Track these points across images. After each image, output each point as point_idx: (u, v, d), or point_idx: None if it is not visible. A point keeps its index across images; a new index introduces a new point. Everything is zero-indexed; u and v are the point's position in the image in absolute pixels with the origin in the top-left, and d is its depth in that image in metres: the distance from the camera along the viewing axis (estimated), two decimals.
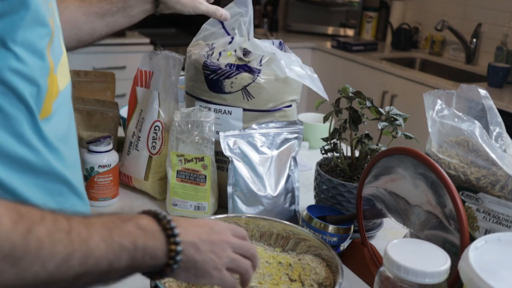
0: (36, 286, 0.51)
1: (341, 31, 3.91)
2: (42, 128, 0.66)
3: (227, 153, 1.09)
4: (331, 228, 0.98)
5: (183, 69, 1.23)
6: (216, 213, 1.16)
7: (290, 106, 1.19)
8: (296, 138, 1.16)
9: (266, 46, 1.14)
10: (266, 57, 1.17)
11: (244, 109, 1.13)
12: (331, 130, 1.12)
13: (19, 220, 0.49)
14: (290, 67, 1.11)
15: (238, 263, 0.66)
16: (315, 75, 1.14)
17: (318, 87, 1.11)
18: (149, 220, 0.61)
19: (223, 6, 1.17)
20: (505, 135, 0.89)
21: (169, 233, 0.61)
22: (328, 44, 3.58)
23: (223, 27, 1.21)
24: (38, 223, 0.50)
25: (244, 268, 0.67)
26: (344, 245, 1.02)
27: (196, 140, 1.09)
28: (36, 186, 0.66)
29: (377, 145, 1.09)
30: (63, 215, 0.54)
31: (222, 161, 1.16)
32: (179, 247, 0.61)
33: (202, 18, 1.26)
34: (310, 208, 1.04)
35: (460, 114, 0.85)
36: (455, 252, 0.76)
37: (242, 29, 1.18)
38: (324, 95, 1.11)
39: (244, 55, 1.17)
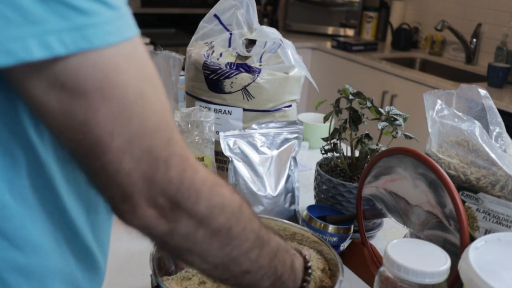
0: (222, 263, 0.57)
1: (341, 31, 3.92)
2: None
3: (227, 153, 1.09)
4: (331, 228, 0.98)
5: (183, 69, 1.23)
6: None
7: (290, 106, 1.19)
8: (296, 138, 1.16)
9: (274, 33, 1.15)
10: (266, 53, 1.17)
11: (244, 109, 1.13)
12: (331, 130, 1.12)
13: (234, 192, 0.55)
14: (294, 57, 1.12)
15: None
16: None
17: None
18: (300, 262, 0.68)
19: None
20: (505, 135, 0.89)
21: (307, 268, 0.69)
22: (328, 44, 3.58)
23: (221, 22, 1.21)
24: (245, 204, 0.56)
25: None
26: (344, 245, 1.02)
27: (196, 140, 1.09)
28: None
29: (377, 145, 1.09)
30: (255, 211, 0.60)
31: (222, 161, 1.16)
32: (309, 279, 0.68)
33: (201, 18, 1.26)
34: (310, 208, 1.04)
35: (460, 114, 0.85)
36: (455, 252, 0.76)
37: (240, 22, 1.18)
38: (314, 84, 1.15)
39: (246, 46, 1.17)
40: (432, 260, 0.66)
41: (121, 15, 0.47)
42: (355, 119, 1.09)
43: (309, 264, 0.68)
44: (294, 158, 1.16)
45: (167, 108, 0.50)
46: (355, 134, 1.11)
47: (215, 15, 1.21)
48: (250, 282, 0.60)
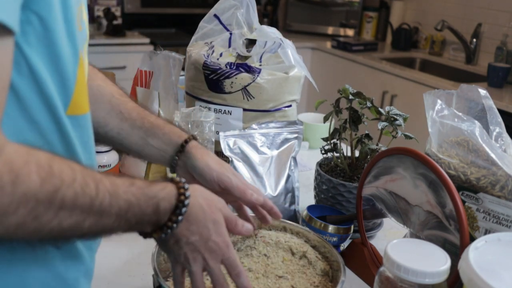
0: (49, 237, 0.55)
1: (341, 31, 3.92)
2: (65, 124, 0.62)
3: (227, 153, 1.09)
4: (331, 228, 0.98)
5: (183, 69, 1.23)
6: None
7: (290, 106, 1.19)
8: (296, 138, 1.16)
9: (274, 33, 1.15)
10: (266, 53, 1.17)
11: (244, 109, 1.13)
12: (331, 130, 1.12)
13: (48, 179, 0.52)
14: (294, 57, 1.12)
15: (217, 277, 0.67)
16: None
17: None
18: (169, 201, 0.64)
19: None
20: (505, 135, 0.89)
21: (180, 187, 0.65)
22: (328, 44, 3.58)
23: (220, 22, 1.21)
24: (66, 185, 0.53)
25: (220, 284, 0.67)
26: (344, 245, 1.02)
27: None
28: None
29: (377, 145, 1.09)
30: (94, 178, 0.57)
31: None
32: (188, 192, 0.65)
33: (201, 18, 1.26)
34: (310, 208, 1.04)
35: (460, 114, 0.85)
36: (455, 252, 0.76)
37: (240, 22, 1.18)
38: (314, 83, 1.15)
39: (247, 46, 1.17)
40: (432, 260, 0.66)
41: None
42: (355, 119, 1.09)
43: (185, 200, 0.64)
44: (294, 158, 1.16)
45: None
46: (355, 134, 1.11)
47: (215, 15, 1.21)
48: (95, 232, 0.59)
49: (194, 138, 0.85)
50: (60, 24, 0.58)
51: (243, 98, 1.12)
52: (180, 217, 0.64)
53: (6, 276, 0.59)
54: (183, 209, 0.64)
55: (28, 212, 0.51)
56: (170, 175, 1.12)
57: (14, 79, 0.55)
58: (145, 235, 0.66)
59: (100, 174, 0.58)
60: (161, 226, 0.64)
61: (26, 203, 0.50)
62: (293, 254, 0.88)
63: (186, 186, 0.65)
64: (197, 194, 0.67)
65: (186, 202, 0.64)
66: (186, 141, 0.84)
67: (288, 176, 1.13)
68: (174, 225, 0.64)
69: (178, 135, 0.85)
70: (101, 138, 0.87)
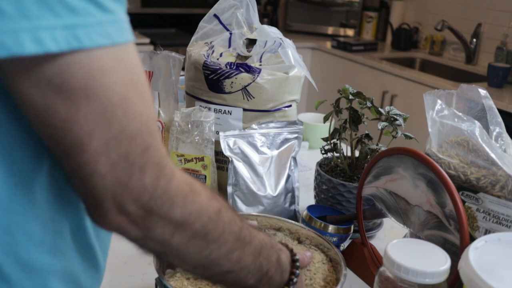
0: (201, 264, 0.57)
1: (341, 31, 3.92)
2: None
3: (227, 153, 1.09)
4: (331, 228, 0.98)
5: (183, 69, 1.23)
6: None
7: (290, 106, 1.19)
8: (296, 138, 1.16)
9: (274, 32, 1.15)
10: (266, 53, 1.17)
11: (244, 109, 1.13)
12: (331, 130, 1.12)
13: (212, 199, 0.55)
14: (294, 57, 1.12)
15: None
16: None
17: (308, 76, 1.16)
18: (287, 256, 0.68)
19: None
20: (505, 135, 0.89)
21: (294, 261, 0.69)
22: (328, 44, 3.58)
23: (220, 22, 1.21)
24: (225, 209, 0.56)
25: None
26: (344, 245, 1.02)
27: (196, 140, 1.09)
28: None
29: (377, 145, 1.09)
30: (238, 214, 0.60)
31: (222, 161, 1.16)
32: (297, 271, 0.68)
33: (201, 18, 1.26)
34: (310, 208, 1.04)
35: (460, 114, 0.85)
36: (455, 252, 0.76)
37: (240, 21, 1.18)
38: (313, 83, 1.16)
39: (247, 46, 1.17)
40: (432, 260, 0.66)
41: (115, 19, 0.47)
42: (355, 119, 1.09)
43: (296, 257, 0.68)
44: (294, 158, 1.16)
45: (151, 116, 0.50)
46: (355, 134, 1.11)
47: (215, 15, 1.21)
48: (234, 280, 0.61)
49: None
50: None
51: (243, 98, 1.12)
52: (297, 271, 0.67)
53: (27, 283, 0.59)
54: (297, 264, 0.68)
55: (201, 227, 0.53)
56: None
57: None
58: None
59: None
60: (286, 282, 0.67)
61: (201, 217, 0.53)
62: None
63: (295, 250, 0.70)
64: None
65: (298, 264, 0.68)
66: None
67: (288, 176, 1.13)
68: (295, 279, 0.67)
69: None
70: None
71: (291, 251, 0.69)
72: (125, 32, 0.48)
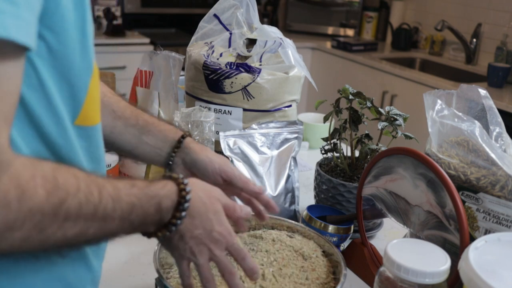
0: (53, 247, 0.55)
1: (341, 31, 3.92)
2: (71, 134, 0.62)
3: (227, 153, 1.09)
4: (331, 228, 0.98)
5: (183, 69, 1.23)
6: None
7: (290, 106, 1.19)
8: (296, 138, 1.16)
9: (275, 32, 1.15)
10: (266, 53, 1.17)
11: (244, 109, 1.13)
12: (331, 130, 1.12)
13: (53, 192, 0.52)
14: (295, 57, 1.12)
15: (224, 265, 0.67)
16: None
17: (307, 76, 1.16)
18: (171, 198, 0.64)
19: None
20: (505, 135, 0.89)
21: (180, 183, 0.65)
22: (328, 44, 3.58)
23: (220, 22, 1.21)
24: (71, 196, 0.53)
25: (228, 271, 0.67)
26: (344, 245, 1.02)
27: (196, 140, 1.09)
28: None
29: (377, 145, 1.09)
30: (97, 185, 0.57)
31: None
32: (188, 187, 0.65)
33: (201, 18, 1.26)
34: (310, 208, 1.04)
35: (460, 114, 0.85)
36: (455, 252, 0.76)
37: (240, 21, 1.17)
38: (313, 83, 1.16)
39: (247, 46, 1.17)
40: (432, 260, 0.66)
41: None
42: (355, 119, 1.09)
43: (186, 196, 0.64)
44: (294, 158, 1.16)
45: None
46: (355, 134, 1.11)
47: (215, 15, 1.21)
48: (102, 240, 0.61)
49: (189, 135, 0.85)
50: (75, 38, 0.58)
51: (243, 98, 1.12)
52: (183, 213, 0.64)
53: (14, 284, 0.59)
54: (186, 205, 0.64)
55: (33, 226, 0.51)
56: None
57: (23, 92, 0.55)
58: (149, 235, 0.66)
59: (103, 179, 0.58)
60: (165, 224, 0.64)
61: (32, 218, 0.50)
62: (304, 259, 0.88)
63: (186, 181, 0.65)
64: (196, 187, 0.67)
65: (188, 197, 0.64)
66: (183, 137, 0.83)
67: (288, 176, 1.13)
68: (178, 221, 0.64)
69: (174, 132, 0.85)
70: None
71: (179, 185, 0.65)
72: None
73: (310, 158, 1.53)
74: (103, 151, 0.72)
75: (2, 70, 0.48)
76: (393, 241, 0.69)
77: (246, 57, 1.19)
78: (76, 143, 0.63)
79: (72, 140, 0.62)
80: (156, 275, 0.76)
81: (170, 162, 0.84)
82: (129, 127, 0.85)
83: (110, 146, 0.86)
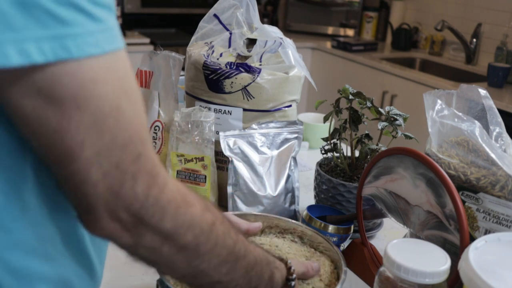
0: (191, 274, 0.57)
1: (341, 31, 3.92)
2: None
3: (227, 153, 1.09)
4: (331, 228, 0.98)
5: (183, 69, 1.23)
6: None
7: (290, 106, 1.19)
8: (296, 138, 1.16)
9: (275, 32, 1.15)
10: (267, 53, 1.17)
11: (244, 109, 1.13)
12: (331, 130, 1.12)
13: (206, 211, 0.55)
14: (295, 57, 1.12)
15: None
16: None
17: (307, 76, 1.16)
18: (281, 275, 0.68)
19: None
20: (505, 135, 0.89)
21: (287, 262, 0.70)
22: (328, 44, 3.58)
23: (220, 22, 1.21)
24: (219, 222, 0.56)
25: None
26: (344, 245, 1.02)
27: (196, 140, 1.09)
28: None
29: (377, 145, 1.09)
30: (233, 227, 0.60)
31: (222, 161, 1.16)
32: (293, 267, 0.69)
33: (201, 18, 1.26)
34: (310, 208, 1.04)
35: (460, 114, 0.85)
36: (455, 252, 0.76)
37: (240, 21, 1.17)
38: (313, 83, 1.17)
39: (247, 46, 1.17)
40: (432, 260, 0.66)
41: (105, 28, 0.46)
42: (355, 119, 1.09)
43: (293, 276, 0.68)
44: (294, 158, 1.16)
45: (143, 123, 0.50)
46: (355, 134, 1.11)
47: (215, 15, 1.21)
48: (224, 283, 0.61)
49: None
50: None
51: (243, 98, 1.12)
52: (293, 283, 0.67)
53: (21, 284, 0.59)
54: (293, 283, 0.68)
55: (192, 239, 0.53)
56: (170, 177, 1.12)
57: None
58: None
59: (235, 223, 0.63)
60: None
61: (193, 229, 0.53)
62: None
63: (293, 268, 0.69)
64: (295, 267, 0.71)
65: (294, 276, 0.68)
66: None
67: (288, 176, 1.13)
68: None
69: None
70: None
71: (288, 269, 0.69)
72: (115, 40, 0.48)
73: (310, 158, 1.53)
74: None
75: (121, 70, 0.48)
76: (393, 241, 0.69)
77: (246, 57, 1.19)
78: None
79: None
80: (157, 276, 0.76)
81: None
82: None
83: None
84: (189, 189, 0.55)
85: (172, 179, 0.52)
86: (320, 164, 1.15)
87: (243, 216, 0.93)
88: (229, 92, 1.12)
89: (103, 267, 0.72)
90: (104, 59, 0.46)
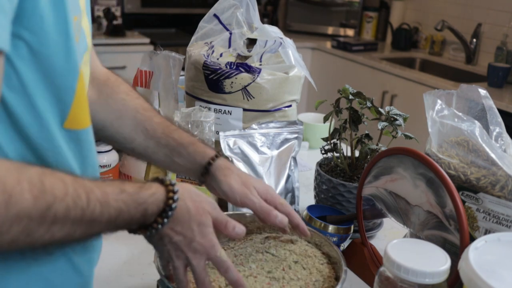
0: (40, 248, 0.57)
1: (341, 31, 3.92)
2: (58, 138, 0.62)
3: (227, 153, 1.09)
4: (331, 228, 0.98)
5: (183, 69, 1.23)
6: None
7: (290, 106, 1.19)
8: (296, 138, 1.16)
9: (275, 32, 1.15)
10: (267, 53, 1.17)
11: (244, 109, 1.13)
12: (331, 130, 1.12)
13: (40, 196, 0.52)
14: (295, 57, 1.12)
15: (198, 275, 0.69)
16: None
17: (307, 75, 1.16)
18: (157, 204, 0.65)
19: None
20: (505, 135, 0.89)
21: (170, 190, 0.67)
22: (328, 44, 3.58)
23: (220, 22, 1.21)
24: (59, 200, 0.54)
25: (201, 281, 0.69)
26: (344, 245, 1.02)
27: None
28: None
29: (377, 145, 1.09)
30: (85, 189, 0.57)
31: None
32: (176, 196, 0.66)
33: (201, 18, 1.26)
34: (310, 208, 1.04)
35: (460, 114, 0.85)
36: (455, 252, 0.76)
37: (240, 21, 1.17)
38: (312, 83, 1.17)
39: (247, 46, 1.17)
40: (432, 260, 0.66)
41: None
42: (355, 119, 1.09)
43: (174, 196, 0.66)
44: (294, 158, 1.16)
45: None
46: (355, 134, 1.11)
47: (215, 15, 1.21)
48: (85, 238, 0.62)
49: (218, 156, 0.84)
50: (55, 38, 0.58)
51: (243, 98, 1.12)
52: (165, 220, 0.65)
53: None
54: (170, 213, 0.65)
55: (21, 230, 0.52)
56: (169, 175, 1.12)
57: (4, 93, 0.55)
58: (131, 231, 0.68)
59: (91, 183, 0.59)
60: (147, 226, 0.66)
61: (19, 222, 0.51)
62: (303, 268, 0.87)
63: (176, 189, 0.66)
64: (186, 196, 0.68)
65: (174, 205, 0.66)
66: (209, 163, 0.83)
67: (288, 176, 1.13)
68: (159, 226, 0.65)
69: (202, 156, 0.84)
70: (129, 153, 0.89)
71: (168, 199, 0.66)
72: None
73: (310, 158, 1.53)
74: (95, 154, 0.73)
75: None
76: (393, 241, 0.69)
77: (246, 57, 1.20)
78: (65, 147, 0.64)
79: (60, 144, 0.63)
80: (157, 276, 0.76)
81: (202, 182, 0.85)
82: (160, 147, 0.86)
83: (148, 160, 0.88)
84: (22, 172, 0.52)
85: (1, 168, 0.51)
86: (320, 164, 1.15)
87: (242, 216, 0.93)
88: (229, 92, 1.12)
89: (91, 265, 0.73)
90: None
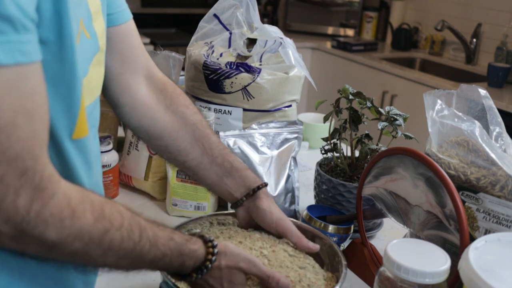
0: (92, 268, 0.63)
1: (341, 31, 3.92)
2: (68, 149, 0.64)
3: None
4: (331, 228, 0.98)
5: (183, 69, 1.23)
6: None
7: (290, 106, 1.19)
8: (296, 138, 1.16)
9: (275, 32, 1.15)
10: (267, 53, 1.17)
11: (244, 109, 1.13)
12: (331, 130, 1.12)
13: (100, 220, 0.56)
14: (295, 57, 1.12)
15: None
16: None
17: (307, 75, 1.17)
18: (194, 261, 0.70)
19: None
20: (505, 135, 0.89)
21: (209, 245, 0.71)
22: (328, 44, 3.58)
23: (220, 22, 1.21)
24: (115, 229, 0.58)
25: None
26: (344, 245, 1.02)
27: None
28: None
29: (377, 145, 1.09)
30: (139, 226, 0.62)
31: None
32: (214, 257, 0.70)
33: (201, 18, 1.26)
34: (310, 208, 1.04)
35: (460, 114, 0.85)
36: (455, 252, 0.76)
37: (240, 21, 1.17)
38: (312, 82, 1.18)
39: (247, 46, 1.17)
40: (432, 260, 0.66)
41: (3, 41, 0.47)
42: (355, 119, 1.09)
43: (213, 258, 0.70)
44: (294, 158, 1.16)
45: (41, 140, 0.52)
46: (355, 134, 1.11)
47: (215, 15, 1.21)
48: (127, 270, 0.66)
49: (265, 185, 0.89)
50: (64, 49, 0.58)
51: (243, 98, 1.12)
52: (199, 275, 0.70)
53: (12, 284, 0.61)
54: (204, 271, 0.70)
55: (81, 247, 0.55)
56: (170, 173, 1.12)
57: None
58: (168, 273, 0.73)
59: (145, 223, 0.63)
60: (180, 274, 0.71)
61: (81, 238, 0.55)
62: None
63: (215, 251, 0.71)
64: (222, 257, 0.72)
65: (209, 266, 0.70)
66: (259, 187, 0.87)
67: (288, 176, 1.13)
68: (192, 279, 0.70)
69: (253, 181, 0.89)
70: (178, 165, 0.91)
71: (208, 254, 0.70)
72: (16, 54, 0.48)
73: (310, 158, 1.53)
74: (99, 159, 0.76)
75: (25, 86, 0.49)
76: (393, 241, 0.69)
77: (246, 57, 1.20)
78: (73, 157, 0.65)
79: (69, 155, 0.64)
80: (157, 276, 0.76)
81: (239, 204, 0.88)
82: (214, 165, 0.88)
83: (193, 175, 0.91)
84: (88, 199, 0.56)
85: (66, 191, 0.54)
86: (320, 164, 1.15)
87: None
88: (229, 92, 1.12)
89: (91, 285, 0.78)
90: (3, 72, 0.47)
